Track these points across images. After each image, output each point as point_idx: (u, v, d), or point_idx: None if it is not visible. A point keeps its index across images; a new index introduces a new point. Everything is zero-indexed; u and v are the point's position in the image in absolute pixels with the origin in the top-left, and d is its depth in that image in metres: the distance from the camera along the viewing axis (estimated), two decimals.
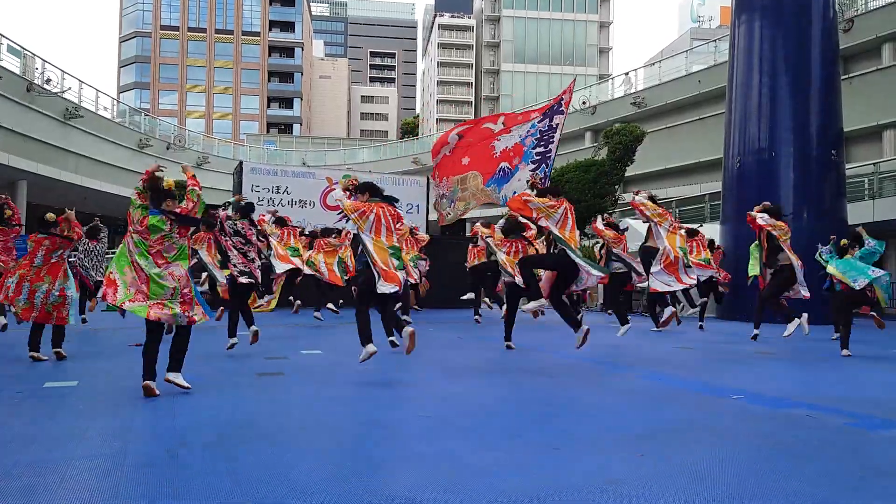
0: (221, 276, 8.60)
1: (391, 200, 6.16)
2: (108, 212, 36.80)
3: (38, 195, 28.19)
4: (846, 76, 21.84)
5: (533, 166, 12.54)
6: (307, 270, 11.00)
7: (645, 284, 9.92)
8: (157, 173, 4.90)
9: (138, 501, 2.77)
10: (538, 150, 12.56)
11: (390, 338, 7.05)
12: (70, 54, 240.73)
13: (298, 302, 12.14)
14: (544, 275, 7.21)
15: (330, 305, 11.79)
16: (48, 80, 27.31)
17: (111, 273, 4.79)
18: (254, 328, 7.50)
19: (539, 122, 12.54)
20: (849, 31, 23.88)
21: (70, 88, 28.95)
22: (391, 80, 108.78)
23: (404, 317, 9.41)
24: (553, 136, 12.54)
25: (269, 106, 69.64)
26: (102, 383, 5.48)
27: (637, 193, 8.99)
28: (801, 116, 14.87)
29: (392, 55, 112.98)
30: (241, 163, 17.09)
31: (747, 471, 3.35)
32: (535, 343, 9.17)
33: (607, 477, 3.19)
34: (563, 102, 12.69)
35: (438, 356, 7.78)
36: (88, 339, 9.11)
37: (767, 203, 8.88)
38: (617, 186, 22.84)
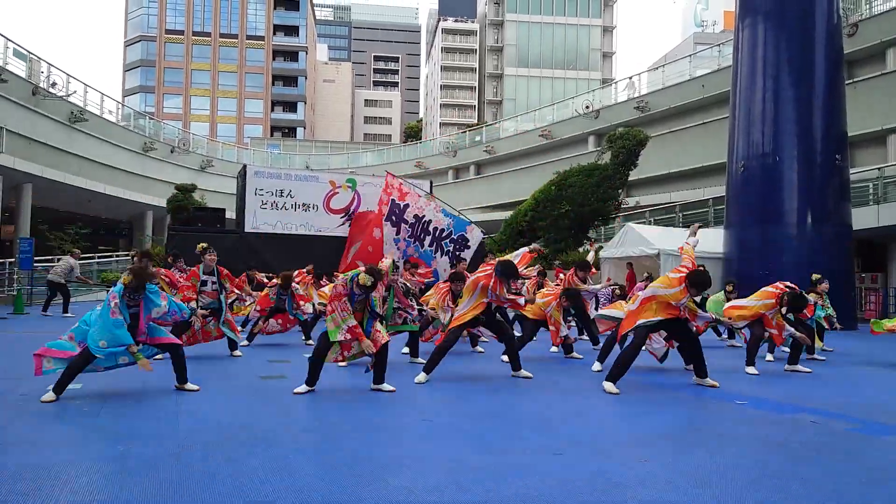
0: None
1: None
2: (112, 215, 36.93)
3: (43, 198, 28.27)
4: (850, 80, 21.78)
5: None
6: None
7: None
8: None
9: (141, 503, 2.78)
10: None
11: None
12: (75, 58, 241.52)
13: None
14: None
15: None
16: (53, 84, 27.40)
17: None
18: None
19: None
20: (853, 36, 23.81)
21: (75, 92, 29.04)
22: (395, 85, 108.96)
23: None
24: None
25: (272, 109, 69.89)
26: (106, 386, 5.48)
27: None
28: (805, 121, 14.82)
29: (396, 59, 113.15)
30: (244, 166, 17.06)
31: (751, 475, 3.33)
32: (538, 350, 9.16)
33: (610, 480, 3.19)
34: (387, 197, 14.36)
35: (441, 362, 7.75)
36: None
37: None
38: (620, 191, 22.81)
